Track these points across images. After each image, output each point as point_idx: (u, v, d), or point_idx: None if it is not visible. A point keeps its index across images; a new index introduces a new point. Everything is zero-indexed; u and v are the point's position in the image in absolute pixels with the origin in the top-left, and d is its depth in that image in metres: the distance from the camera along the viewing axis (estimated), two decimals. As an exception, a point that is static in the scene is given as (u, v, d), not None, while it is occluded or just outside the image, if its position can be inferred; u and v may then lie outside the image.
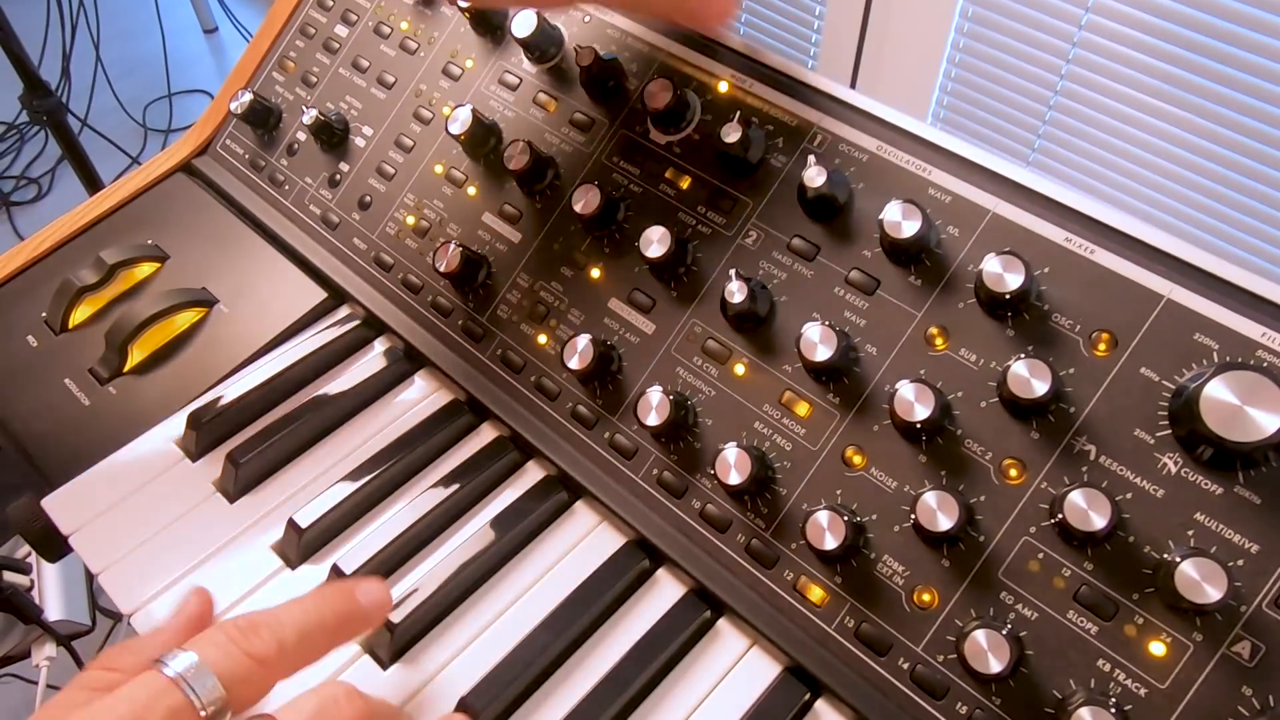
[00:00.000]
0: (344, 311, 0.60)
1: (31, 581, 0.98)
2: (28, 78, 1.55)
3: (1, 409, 0.57)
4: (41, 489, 0.54)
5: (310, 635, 0.38)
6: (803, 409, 0.46)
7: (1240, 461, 0.38)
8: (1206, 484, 0.39)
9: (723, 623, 0.46)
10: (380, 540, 0.47)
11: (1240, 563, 0.38)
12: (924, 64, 1.49)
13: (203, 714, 0.34)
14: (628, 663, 0.44)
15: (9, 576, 0.95)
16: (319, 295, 0.60)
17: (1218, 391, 0.37)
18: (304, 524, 0.48)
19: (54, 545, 0.59)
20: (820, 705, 0.44)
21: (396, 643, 0.44)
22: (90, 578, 1.04)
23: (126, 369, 0.57)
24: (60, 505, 0.51)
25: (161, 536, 0.49)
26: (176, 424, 0.54)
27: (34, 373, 0.58)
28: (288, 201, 0.64)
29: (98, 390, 0.57)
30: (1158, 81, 1.24)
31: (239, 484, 0.51)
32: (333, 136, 0.63)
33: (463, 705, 0.42)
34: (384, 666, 0.44)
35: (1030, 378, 0.40)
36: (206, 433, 0.52)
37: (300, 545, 0.48)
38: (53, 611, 0.96)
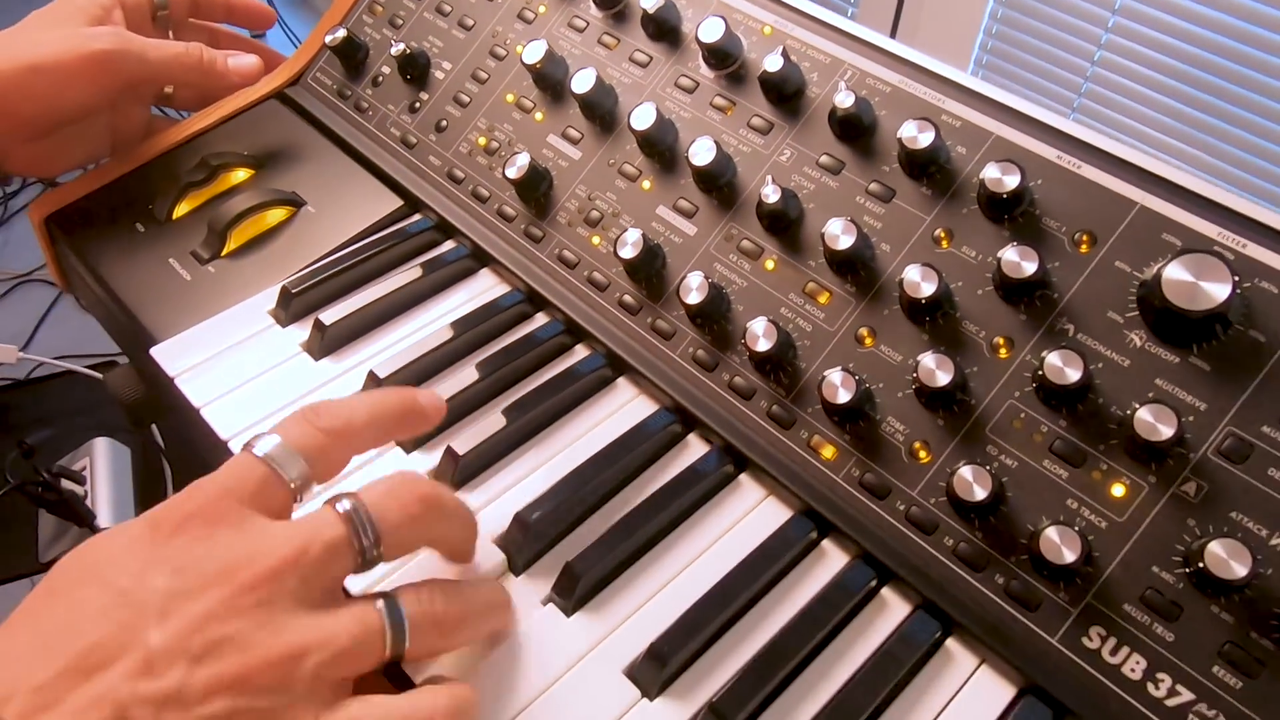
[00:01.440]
0: (417, 217, 0.68)
1: (85, 491, 1.05)
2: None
3: (112, 281, 0.64)
4: (140, 359, 0.61)
5: (376, 417, 0.43)
6: (823, 298, 0.53)
7: (1194, 333, 0.45)
8: (1166, 355, 0.46)
9: (744, 477, 0.53)
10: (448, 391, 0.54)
11: (1191, 418, 0.44)
12: (967, 15, 1.61)
13: (292, 486, 0.40)
14: (650, 507, 0.50)
15: (66, 484, 1.02)
16: (396, 202, 0.67)
17: (1177, 272, 0.44)
18: (382, 375, 0.55)
19: (144, 413, 0.66)
20: (826, 543, 0.50)
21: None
22: (138, 489, 1.11)
23: (225, 253, 0.65)
24: (166, 353, 0.58)
25: (255, 382, 0.56)
26: (269, 296, 0.61)
27: (141, 254, 0.65)
28: (371, 125, 0.72)
29: (198, 269, 0.64)
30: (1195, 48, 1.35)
31: (324, 345, 0.58)
32: (415, 69, 0.71)
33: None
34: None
35: (1020, 261, 0.47)
36: (297, 303, 0.59)
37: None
38: (104, 519, 1.02)
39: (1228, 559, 0.40)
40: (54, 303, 1.99)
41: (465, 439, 0.51)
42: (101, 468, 1.09)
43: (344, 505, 0.39)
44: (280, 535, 0.37)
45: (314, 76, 0.77)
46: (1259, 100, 1.37)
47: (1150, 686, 0.42)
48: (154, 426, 1.23)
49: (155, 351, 0.58)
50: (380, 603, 0.39)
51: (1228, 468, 0.43)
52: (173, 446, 1.24)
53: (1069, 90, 1.56)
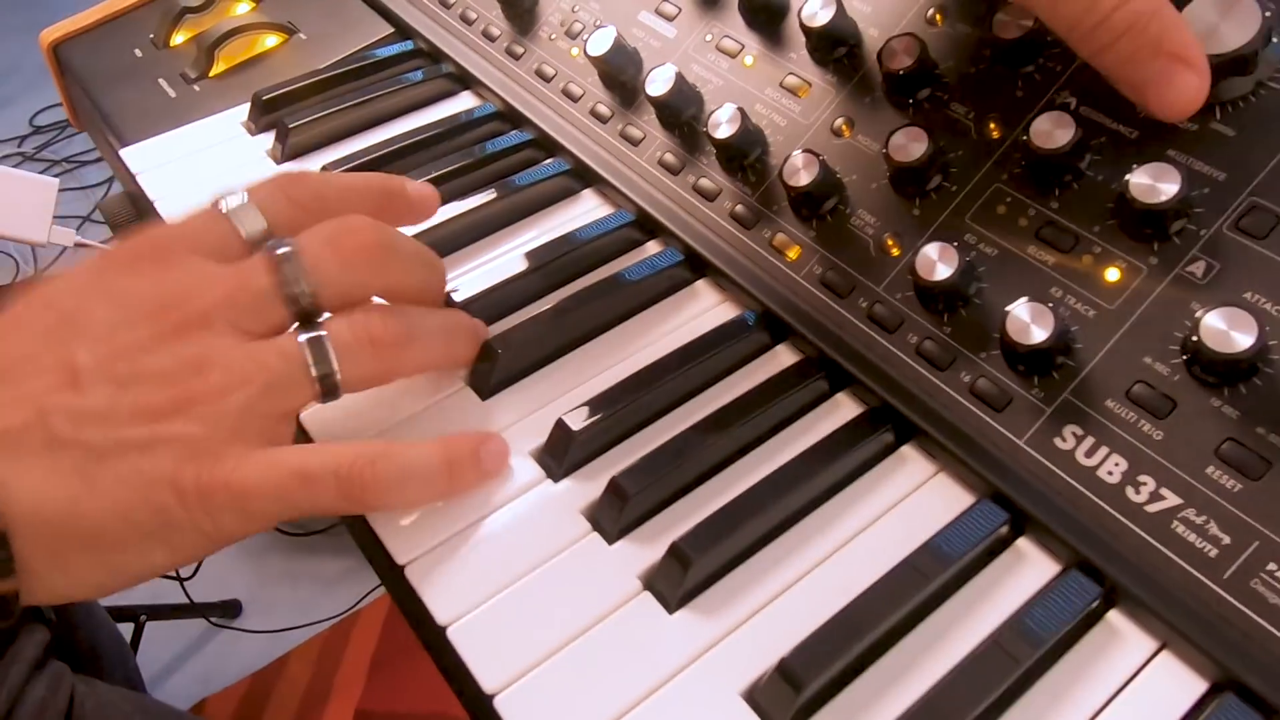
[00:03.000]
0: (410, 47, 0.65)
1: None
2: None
3: (101, 100, 0.64)
4: (125, 176, 0.60)
5: (349, 193, 0.42)
6: (803, 91, 0.48)
7: (1220, 96, 0.38)
8: (1184, 123, 0.39)
9: (700, 283, 0.48)
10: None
11: (1207, 190, 0.37)
12: None
13: (244, 237, 0.39)
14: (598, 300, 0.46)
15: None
16: (386, 29, 0.65)
17: (1200, 9, 0.37)
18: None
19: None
20: (780, 348, 0.45)
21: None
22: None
23: (212, 73, 0.64)
24: (134, 155, 0.57)
25: (216, 182, 0.55)
26: (243, 109, 0.60)
27: (134, 75, 0.65)
28: (373, -40, 0.70)
29: (184, 87, 0.63)
30: None
31: (287, 151, 0.56)
32: (418, -101, 0.68)
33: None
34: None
35: (1012, 19, 0.41)
36: (266, 108, 0.58)
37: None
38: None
39: (1228, 330, 0.33)
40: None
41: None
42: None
43: (281, 250, 0.37)
44: (214, 278, 0.37)
45: (328, -80, 0.75)
46: None
47: (1129, 490, 0.36)
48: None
49: (124, 153, 0.57)
50: (302, 334, 0.37)
51: (1247, 243, 0.36)
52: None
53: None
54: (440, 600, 0.36)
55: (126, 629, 1.52)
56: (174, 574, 1.56)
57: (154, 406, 0.34)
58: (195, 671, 1.54)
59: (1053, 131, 0.39)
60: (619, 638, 0.35)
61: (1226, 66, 0.36)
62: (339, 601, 1.43)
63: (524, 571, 0.37)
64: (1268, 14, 0.35)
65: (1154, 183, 0.36)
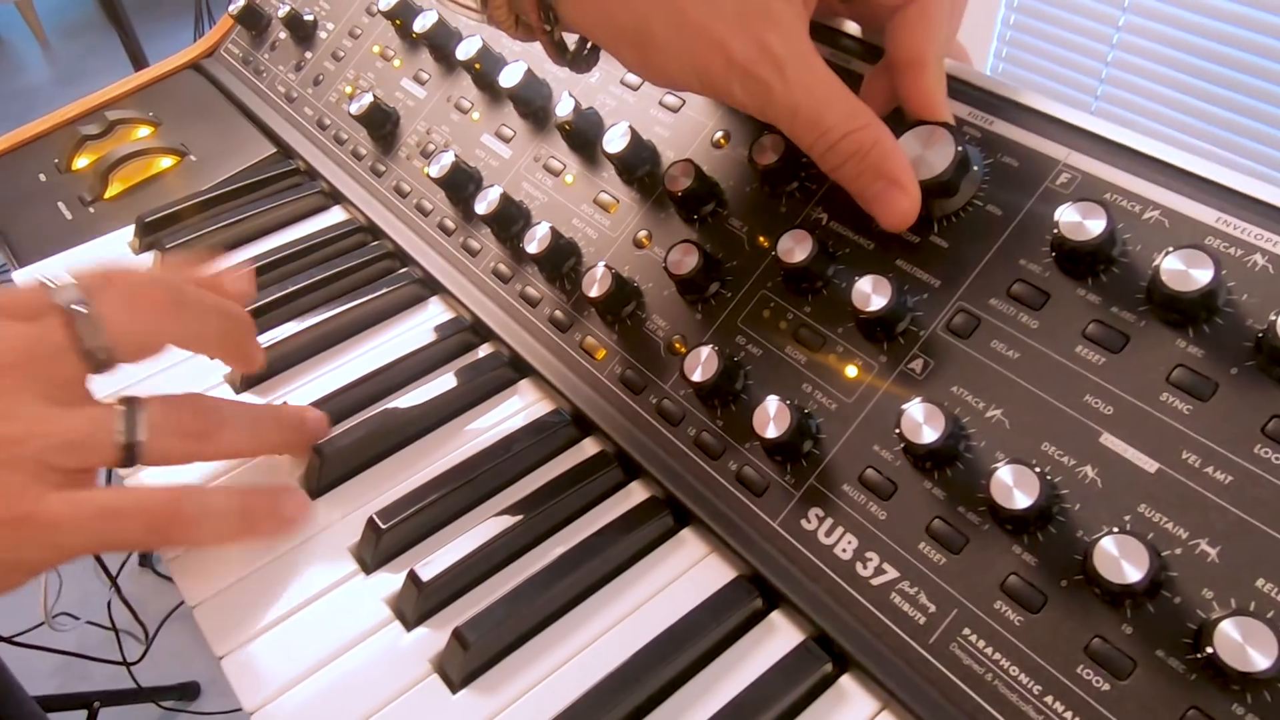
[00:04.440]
0: (290, 166, 0.71)
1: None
2: None
3: (3, 224, 0.69)
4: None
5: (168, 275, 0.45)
6: (613, 207, 0.54)
7: (932, 215, 0.43)
8: (908, 236, 0.44)
9: (524, 383, 0.53)
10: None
11: (924, 295, 0.43)
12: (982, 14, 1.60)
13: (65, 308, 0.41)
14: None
15: None
16: (270, 149, 0.71)
17: (907, 142, 0.42)
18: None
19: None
20: (586, 442, 0.50)
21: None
22: None
23: (107, 195, 0.69)
24: (25, 277, 0.62)
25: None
26: (130, 230, 0.65)
27: (36, 199, 0.70)
28: (262, 84, 0.76)
29: (81, 210, 0.69)
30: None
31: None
32: (302, 30, 0.75)
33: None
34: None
35: (769, 150, 0.47)
36: (148, 229, 0.63)
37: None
38: None
39: (922, 423, 0.38)
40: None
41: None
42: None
43: (76, 308, 0.40)
44: (10, 337, 0.39)
45: (226, 48, 0.82)
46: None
47: (859, 566, 0.40)
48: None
49: (15, 275, 0.62)
50: (121, 405, 0.40)
51: (955, 343, 0.41)
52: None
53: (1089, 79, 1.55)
54: (248, 688, 0.40)
55: (79, 716, 1.53)
56: (120, 658, 1.58)
57: None
58: (153, 759, 1.54)
59: (794, 248, 0.44)
60: (407, 715, 0.39)
61: (935, 189, 0.42)
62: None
63: (330, 656, 0.41)
64: (960, 147, 0.41)
65: (871, 292, 0.41)
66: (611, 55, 0.44)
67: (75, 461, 0.39)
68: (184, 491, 0.41)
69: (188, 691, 1.67)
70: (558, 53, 0.46)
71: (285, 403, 0.52)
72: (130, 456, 0.40)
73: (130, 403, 0.41)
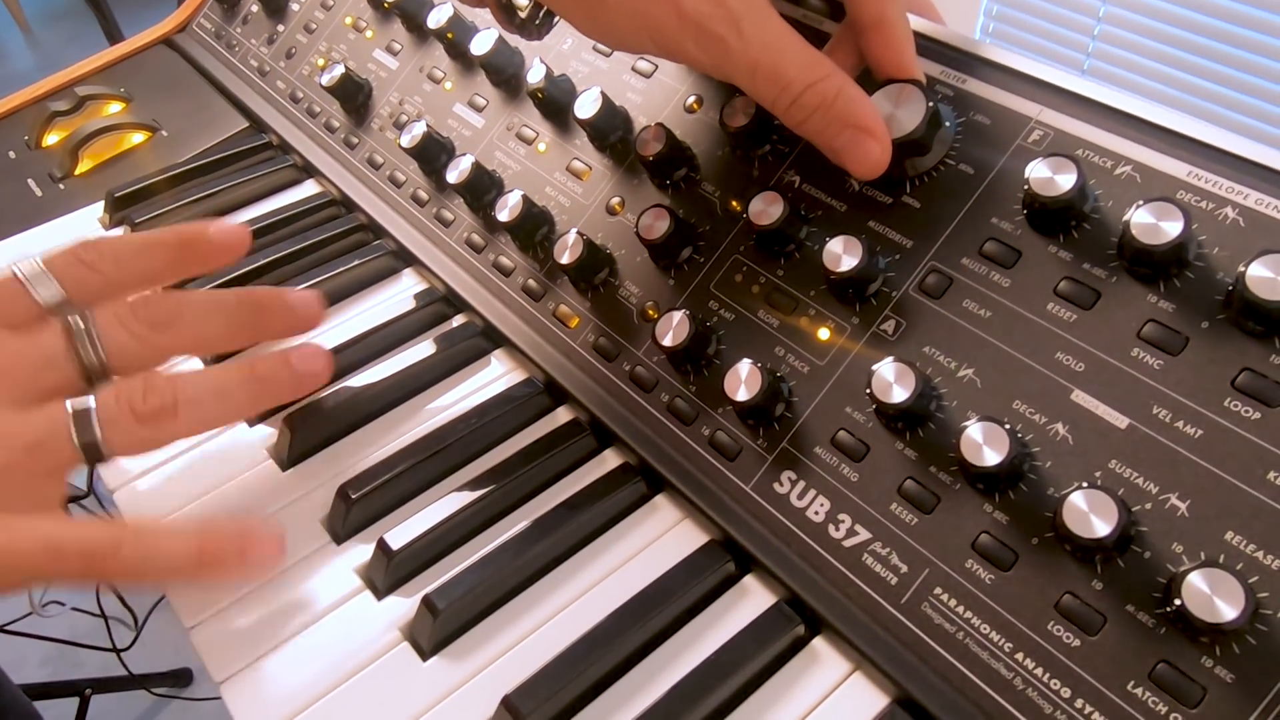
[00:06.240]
0: (262, 140, 0.70)
1: None
2: None
3: (-25, 200, 0.68)
4: None
5: (148, 251, 0.43)
6: (585, 175, 0.53)
7: (904, 175, 0.43)
8: (880, 197, 0.44)
9: (498, 353, 0.53)
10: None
11: (897, 256, 0.42)
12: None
13: (41, 305, 0.40)
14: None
15: None
16: (242, 123, 0.70)
17: (879, 100, 0.42)
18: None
19: None
20: (560, 410, 0.49)
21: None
22: None
23: (77, 172, 0.68)
24: (-4, 252, 0.61)
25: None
26: (100, 206, 0.64)
27: (6, 176, 0.69)
28: (235, 59, 0.75)
29: (51, 187, 0.68)
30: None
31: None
32: (274, 3, 0.73)
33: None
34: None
35: (740, 111, 0.46)
36: (119, 204, 0.62)
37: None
38: None
39: (892, 383, 0.38)
40: None
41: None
42: None
43: (74, 322, 0.40)
44: (8, 353, 0.39)
45: (198, 22, 0.81)
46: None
47: (831, 528, 0.40)
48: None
49: (-16, 251, 0.61)
50: (70, 403, 0.39)
51: (927, 303, 0.41)
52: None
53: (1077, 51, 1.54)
54: (217, 660, 0.40)
55: (72, 704, 1.53)
56: (111, 645, 1.57)
57: None
58: (145, 745, 1.54)
59: (765, 210, 0.44)
60: (378, 683, 0.39)
61: (907, 147, 0.41)
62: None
63: (301, 626, 0.41)
64: (931, 104, 0.40)
65: (842, 253, 0.41)
66: (561, 17, 0.43)
67: (37, 464, 0.37)
68: (130, 533, 0.38)
69: (180, 678, 1.67)
70: (506, 17, 0.45)
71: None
72: (93, 455, 0.38)
73: (81, 398, 0.39)
